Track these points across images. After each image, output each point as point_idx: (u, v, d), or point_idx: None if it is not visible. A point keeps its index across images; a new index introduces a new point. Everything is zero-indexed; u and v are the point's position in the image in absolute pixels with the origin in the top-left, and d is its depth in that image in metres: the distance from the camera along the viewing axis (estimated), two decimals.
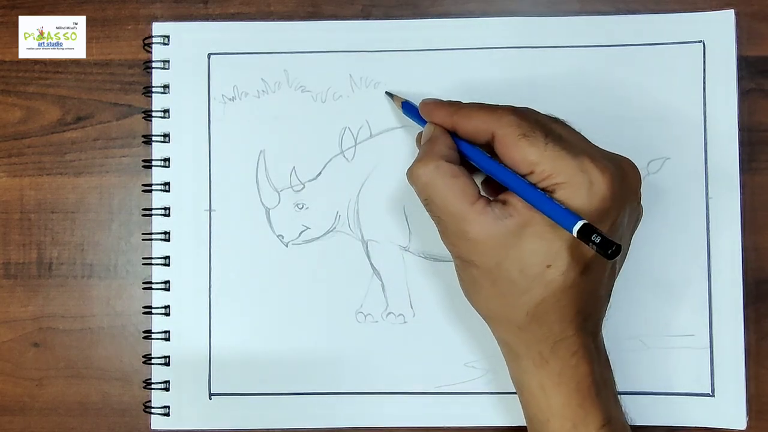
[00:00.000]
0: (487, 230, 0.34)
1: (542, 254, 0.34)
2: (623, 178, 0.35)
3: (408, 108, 0.42)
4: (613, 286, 0.38)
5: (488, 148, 0.36)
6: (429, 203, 0.36)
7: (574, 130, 0.36)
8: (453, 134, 0.38)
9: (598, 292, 0.37)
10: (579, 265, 0.34)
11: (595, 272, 0.35)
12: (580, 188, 0.33)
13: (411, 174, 0.36)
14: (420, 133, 0.40)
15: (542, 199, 0.33)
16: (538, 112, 0.36)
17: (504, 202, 0.35)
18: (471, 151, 0.37)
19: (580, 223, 0.32)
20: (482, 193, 0.36)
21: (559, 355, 0.35)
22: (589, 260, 0.34)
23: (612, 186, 0.33)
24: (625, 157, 0.36)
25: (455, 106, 0.38)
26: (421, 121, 0.40)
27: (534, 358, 0.36)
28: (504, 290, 0.35)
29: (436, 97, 0.40)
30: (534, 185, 0.34)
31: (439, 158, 0.36)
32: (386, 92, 0.43)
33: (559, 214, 0.33)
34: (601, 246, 0.31)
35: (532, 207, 0.34)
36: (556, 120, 0.37)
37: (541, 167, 0.34)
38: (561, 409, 0.36)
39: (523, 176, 0.34)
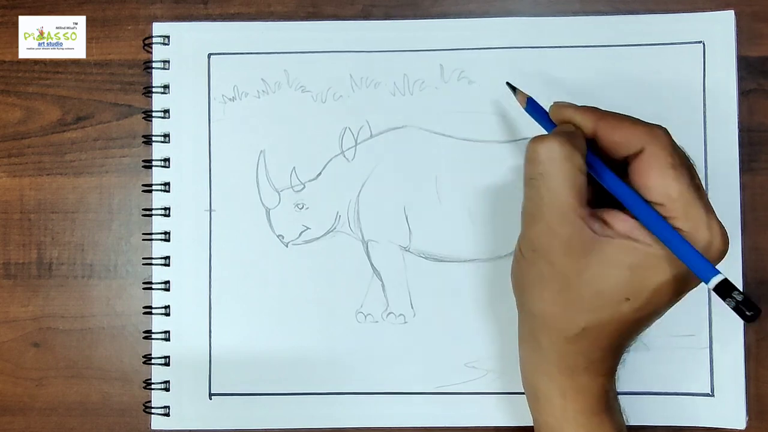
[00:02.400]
0: (582, 238, 0.33)
1: (626, 287, 0.33)
2: (724, 252, 0.34)
3: (533, 106, 0.39)
4: None
5: (612, 164, 0.35)
6: (540, 179, 0.34)
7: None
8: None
9: (646, 327, 0.36)
10: (653, 307, 0.34)
11: (658, 315, 0.35)
12: (698, 244, 0.32)
13: (541, 144, 0.34)
14: (537, 137, 0.37)
15: (678, 239, 0.32)
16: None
17: (604, 221, 0.34)
18: (600, 165, 0.35)
19: (720, 277, 0.31)
20: None
21: (590, 373, 0.35)
22: (661, 306, 0.34)
23: (722, 254, 0.33)
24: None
25: (599, 111, 0.36)
26: (545, 122, 0.38)
27: (563, 368, 0.36)
28: (570, 300, 0.34)
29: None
30: (670, 224, 0.33)
31: (576, 148, 0.34)
32: (507, 83, 0.41)
33: (697, 260, 0.31)
34: (742, 305, 0.30)
35: (634, 237, 0.33)
36: (692, 161, 0.36)
37: (674, 204, 0.33)
38: (577, 417, 0.36)
39: (651, 204, 0.33)
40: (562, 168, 0.34)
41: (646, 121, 0.35)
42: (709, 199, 0.35)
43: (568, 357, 0.35)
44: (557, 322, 0.35)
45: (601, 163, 0.35)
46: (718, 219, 0.33)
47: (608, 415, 0.36)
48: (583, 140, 0.35)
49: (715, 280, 0.31)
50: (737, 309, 0.30)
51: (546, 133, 0.38)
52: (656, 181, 0.33)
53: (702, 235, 0.33)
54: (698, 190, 0.33)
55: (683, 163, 0.34)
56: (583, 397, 0.36)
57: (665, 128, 0.35)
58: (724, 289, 0.30)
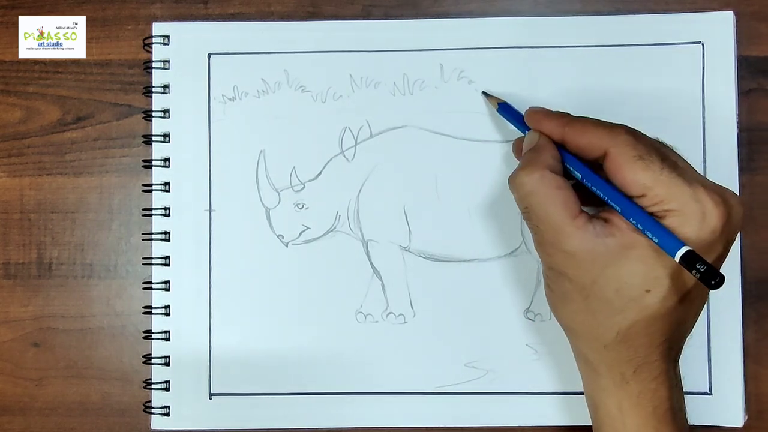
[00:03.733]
0: (586, 245, 0.34)
1: (642, 278, 0.34)
2: (731, 213, 0.34)
3: (506, 109, 0.41)
4: (699, 317, 0.38)
5: (592, 164, 0.36)
6: (529, 212, 0.36)
7: (683, 157, 0.36)
8: (559, 146, 0.37)
9: (688, 322, 0.36)
10: (678, 293, 0.34)
11: (691, 303, 0.35)
12: (692, 218, 0.33)
13: (514, 181, 0.36)
14: (517, 140, 0.41)
15: (649, 222, 0.33)
16: (648, 136, 0.36)
17: (605, 220, 0.35)
18: (577, 166, 0.36)
19: (684, 249, 0.31)
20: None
21: (640, 378, 0.35)
22: (688, 290, 0.34)
23: (723, 220, 0.33)
24: (731, 191, 0.35)
25: (566, 118, 0.37)
26: (519, 125, 0.40)
27: (615, 378, 0.36)
28: (596, 307, 0.35)
29: (540, 106, 0.39)
30: (641, 208, 0.34)
31: (545, 168, 0.35)
32: (483, 92, 0.43)
33: (665, 238, 0.32)
34: (705, 275, 0.30)
35: (636, 229, 0.34)
36: (665, 145, 0.36)
37: (654, 192, 0.33)
38: (637, 431, 0.36)
39: (633, 198, 0.34)
40: (539, 196, 0.35)
41: (608, 122, 0.36)
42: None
43: (615, 365, 0.35)
44: (592, 332, 0.36)
45: (575, 162, 0.37)
46: (706, 186, 0.34)
47: (670, 429, 0.36)
48: (551, 150, 0.37)
49: (680, 253, 0.31)
50: (703, 279, 0.31)
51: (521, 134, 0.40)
52: (628, 176, 0.34)
53: (691, 208, 0.33)
54: (675, 169, 0.34)
55: (649, 151, 0.34)
56: (640, 407, 0.35)
57: (626, 126, 0.36)
58: (690, 261, 0.31)
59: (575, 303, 0.35)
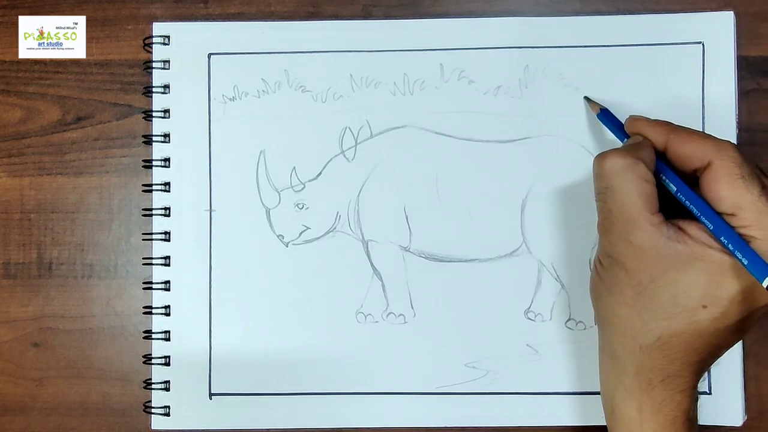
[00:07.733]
0: (655, 243, 0.34)
1: (703, 292, 0.34)
2: None
3: (606, 116, 0.41)
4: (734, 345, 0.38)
5: (685, 177, 0.36)
6: (606, 194, 0.36)
7: None
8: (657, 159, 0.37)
9: (726, 348, 0.36)
10: (731, 318, 0.34)
11: (737, 331, 0.35)
12: None
13: (604, 159, 0.36)
14: (600, 154, 0.40)
15: (741, 244, 0.33)
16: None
17: (680, 228, 0.35)
18: (673, 179, 0.36)
19: None
20: None
21: (667, 387, 0.35)
22: (741, 318, 0.34)
23: None
24: None
25: (671, 125, 0.37)
26: (619, 133, 0.40)
27: (641, 381, 0.36)
28: (645, 307, 0.35)
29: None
30: (734, 229, 0.34)
31: (639, 158, 0.35)
32: (585, 97, 0.43)
33: (756, 262, 0.32)
34: None
35: (709, 244, 0.34)
36: (766, 174, 0.36)
37: (745, 214, 0.33)
38: None
39: (722, 215, 0.34)
40: (626, 179, 0.35)
41: (714, 136, 0.36)
42: None
43: (645, 369, 0.35)
44: (633, 329, 0.35)
45: (671, 172, 0.36)
46: None
47: None
48: (649, 150, 0.37)
49: None
50: None
51: (620, 143, 0.40)
52: (726, 192, 0.34)
53: None
54: None
55: (752, 174, 0.34)
56: (660, 414, 0.35)
57: (733, 143, 0.36)
58: None
59: (623, 296, 0.35)
